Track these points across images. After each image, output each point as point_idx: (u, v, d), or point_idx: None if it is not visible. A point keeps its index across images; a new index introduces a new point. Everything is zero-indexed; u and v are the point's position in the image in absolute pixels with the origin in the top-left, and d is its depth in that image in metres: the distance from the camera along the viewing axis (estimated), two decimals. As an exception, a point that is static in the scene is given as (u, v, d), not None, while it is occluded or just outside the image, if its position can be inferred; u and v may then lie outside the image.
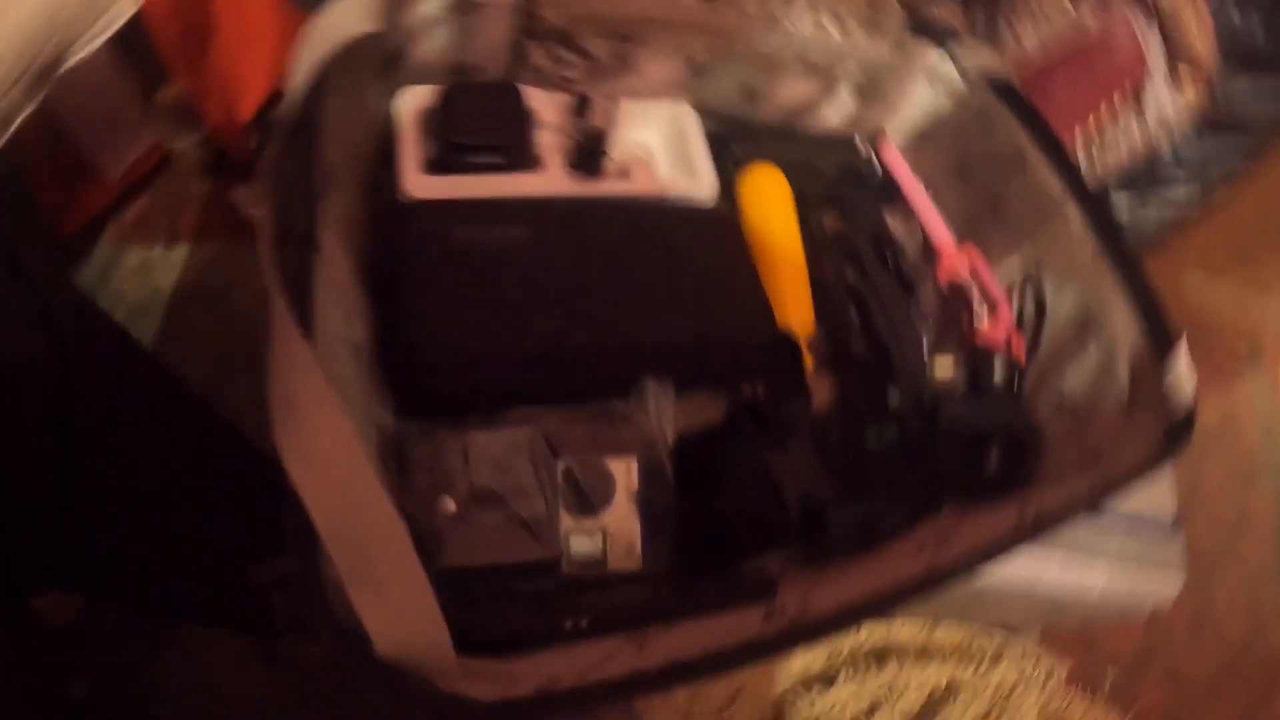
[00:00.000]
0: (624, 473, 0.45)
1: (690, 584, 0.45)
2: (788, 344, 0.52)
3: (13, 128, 0.74)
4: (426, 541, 0.40)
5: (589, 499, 0.44)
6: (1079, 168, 0.70)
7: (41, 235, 0.58)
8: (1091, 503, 0.54)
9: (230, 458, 0.54)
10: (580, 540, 0.44)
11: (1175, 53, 0.96)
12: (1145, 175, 1.29)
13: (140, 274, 0.97)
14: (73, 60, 0.74)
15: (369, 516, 0.33)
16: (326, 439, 0.33)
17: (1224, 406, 1.45)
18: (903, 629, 0.78)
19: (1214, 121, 1.21)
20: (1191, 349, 1.40)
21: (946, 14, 0.90)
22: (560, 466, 0.44)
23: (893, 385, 0.60)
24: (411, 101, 0.53)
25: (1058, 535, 0.86)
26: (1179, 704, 1.11)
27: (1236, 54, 1.16)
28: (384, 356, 0.47)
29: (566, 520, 0.45)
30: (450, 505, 0.42)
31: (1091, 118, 0.97)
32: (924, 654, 0.78)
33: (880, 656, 0.77)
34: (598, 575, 0.44)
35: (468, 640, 0.32)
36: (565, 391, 0.48)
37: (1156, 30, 0.95)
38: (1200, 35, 0.97)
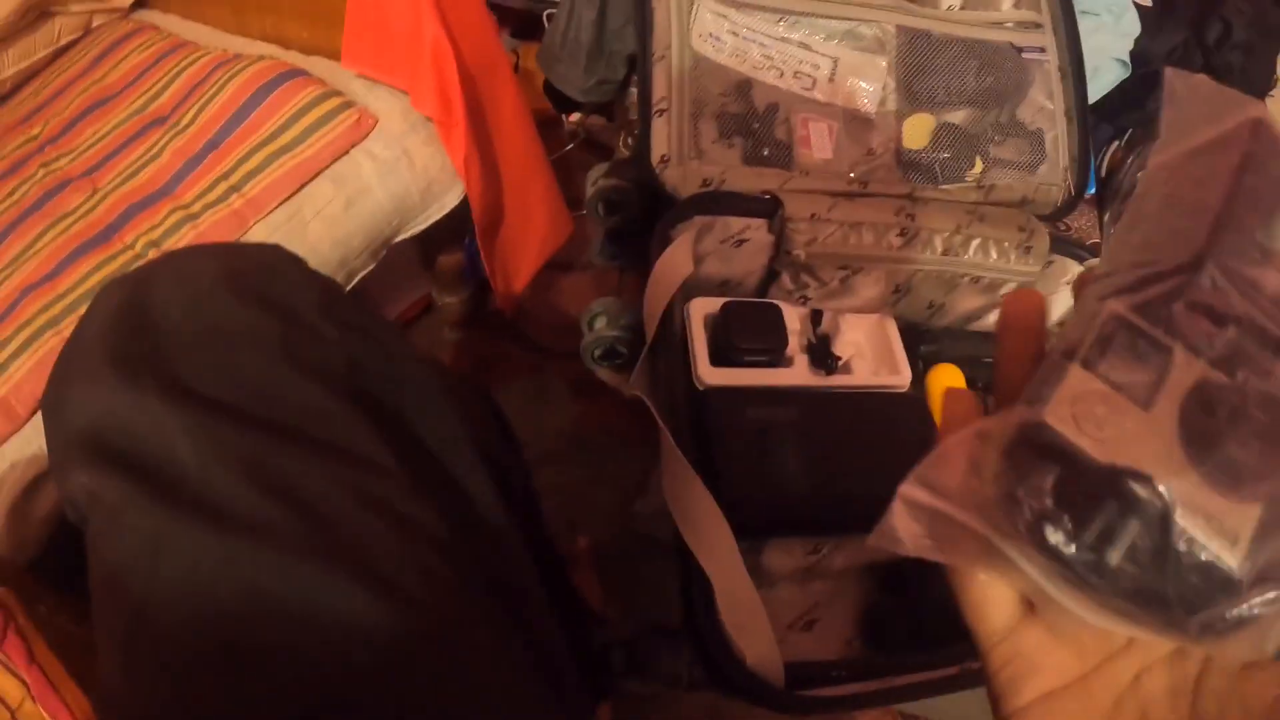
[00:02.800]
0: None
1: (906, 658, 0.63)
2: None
3: (354, 283, 0.97)
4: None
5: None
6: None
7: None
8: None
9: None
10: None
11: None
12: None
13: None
14: (405, 235, 0.98)
15: (743, 587, 0.52)
16: (718, 537, 0.53)
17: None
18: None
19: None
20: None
21: (1083, 224, 1.09)
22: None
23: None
24: (699, 310, 0.73)
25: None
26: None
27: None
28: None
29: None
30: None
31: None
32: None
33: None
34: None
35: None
36: (813, 525, 0.67)
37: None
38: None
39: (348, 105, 0.96)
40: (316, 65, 1.08)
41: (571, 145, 1.25)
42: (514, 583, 0.47)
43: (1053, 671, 0.29)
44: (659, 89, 0.80)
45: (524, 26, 1.42)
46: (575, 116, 1.32)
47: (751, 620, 0.51)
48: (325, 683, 0.35)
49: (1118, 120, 1.12)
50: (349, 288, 0.96)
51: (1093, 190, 1.12)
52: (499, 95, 0.93)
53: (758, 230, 0.75)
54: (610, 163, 0.83)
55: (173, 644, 0.36)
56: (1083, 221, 1.09)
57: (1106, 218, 1.10)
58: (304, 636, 0.36)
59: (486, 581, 0.43)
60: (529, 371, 1.11)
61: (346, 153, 0.94)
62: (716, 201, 0.74)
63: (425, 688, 0.37)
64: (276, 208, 0.94)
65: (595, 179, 0.83)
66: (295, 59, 1.11)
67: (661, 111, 0.79)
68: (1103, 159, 1.13)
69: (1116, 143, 1.13)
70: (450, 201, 0.95)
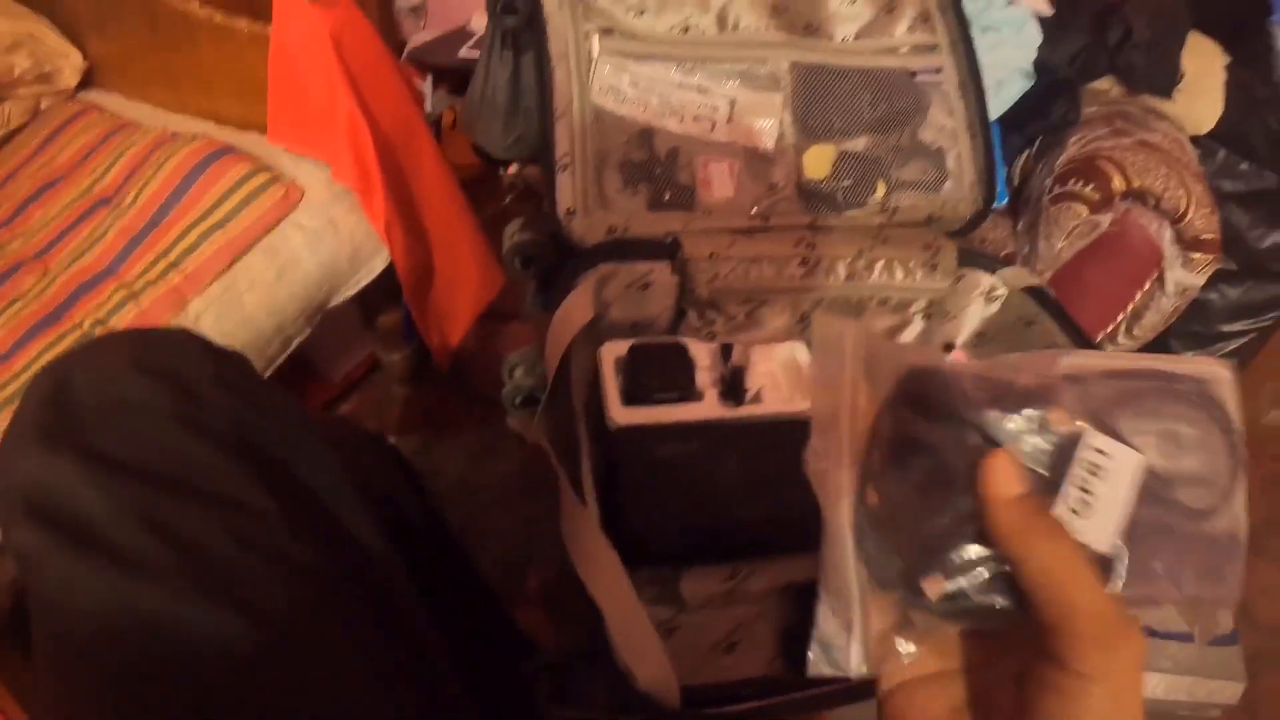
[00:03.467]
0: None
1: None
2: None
3: (291, 349, 1.01)
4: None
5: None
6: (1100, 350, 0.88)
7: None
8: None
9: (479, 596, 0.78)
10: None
11: (1187, 244, 1.16)
12: (1204, 329, 1.46)
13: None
14: (337, 300, 1.02)
15: (632, 614, 0.55)
16: (607, 568, 0.55)
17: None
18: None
19: (1257, 271, 1.38)
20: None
21: (999, 235, 1.12)
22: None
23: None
24: (610, 353, 0.76)
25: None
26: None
27: (1264, 216, 1.35)
28: (608, 529, 0.69)
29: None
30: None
31: (1130, 305, 1.17)
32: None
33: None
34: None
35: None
36: (727, 551, 0.69)
37: (1168, 228, 1.14)
38: (1208, 227, 1.16)
39: (275, 179, 0.99)
40: (249, 140, 1.12)
41: (510, 198, 1.28)
42: (396, 606, 0.54)
43: (916, 666, 0.37)
44: (562, 145, 0.83)
45: (460, 84, 1.45)
46: (513, 168, 1.35)
47: (642, 645, 0.53)
48: (201, 692, 0.44)
49: (1027, 129, 1.15)
50: (288, 353, 0.99)
51: (1005, 200, 1.15)
52: (418, 161, 0.97)
53: (661, 272, 0.78)
54: (524, 217, 0.86)
55: (84, 666, 0.45)
56: (1000, 233, 1.12)
57: (1020, 226, 1.13)
58: (185, 655, 0.44)
59: (362, 605, 0.51)
60: (478, 421, 1.14)
61: (276, 225, 0.97)
62: (618, 248, 0.77)
63: (287, 695, 0.45)
64: (212, 282, 0.97)
65: (511, 234, 0.86)
66: (230, 135, 1.15)
67: (565, 166, 0.82)
68: (1015, 169, 1.17)
69: (1027, 151, 1.16)
70: (378, 265, 0.99)
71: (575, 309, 0.70)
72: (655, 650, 0.54)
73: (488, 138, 1.05)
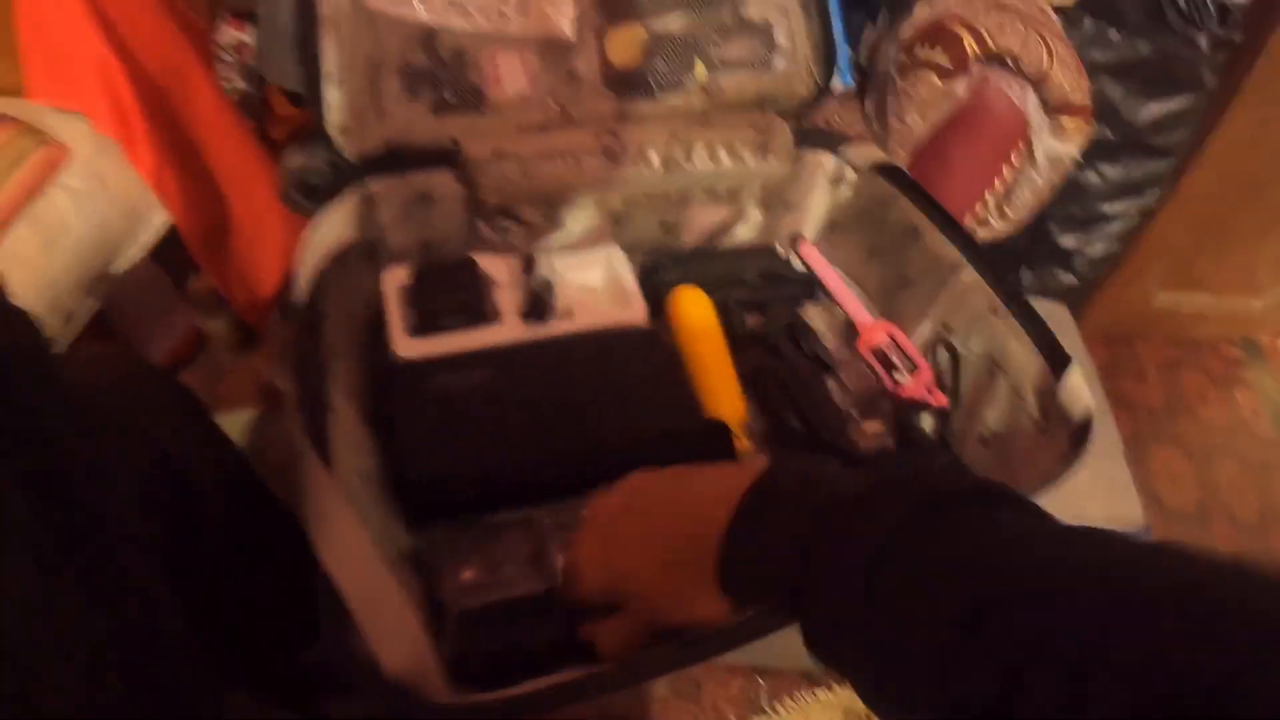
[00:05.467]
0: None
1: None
2: (716, 428, 0.64)
3: (79, 325, 0.90)
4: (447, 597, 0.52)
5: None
6: (968, 232, 0.79)
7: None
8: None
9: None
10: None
11: (1054, 108, 1.08)
12: (1083, 211, 1.39)
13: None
14: (121, 265, 0.91)
15: (379, 588, 0.45)
16: (348, 538, 0.46)
17: (1229, 409, 1.50)
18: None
19: (1136, 147, 1.31)
20: (1184, 363, 1.55)
21: (848, 118, 1.04)
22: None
23: (825, 454, 0.70)
24: (393, 280, 0.67)
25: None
26: None
27: (1138, 88, 1.28)
28: (389, 481, 0.60)
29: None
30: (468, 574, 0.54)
31: (996, 181, 1.09)
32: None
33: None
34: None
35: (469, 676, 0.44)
36: (530, 491, 0.59)
37: (1032, 92, 1.06)
38: (1076, 87, 1.08)
39: (40, 142, 0.88)
40: (24, 105, 1.00)
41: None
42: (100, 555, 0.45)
43: None
44: (329, 56, 0.72)
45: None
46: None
47: (391, 624, 0.44)
48: None
49: (870, 3, 1.06)
50: (74, 329, 0.89)
51: (851, 82, 1.07)
52: (196, 107, 0.86)
53: (443, 182, 0.69)
54: (299, 141, 0.76)
55: None
56: (849, 116, 1.04)
57: (869, 106, 1.05)
58: None
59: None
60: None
61: (40, 190, 0.86)
62: (388, 160, 0.68)
63: None
64: (-26, 265, 0.86)
65: (287, 162, 0.76)
66: (9, 103, 1.03)
67: (336, 79, 0.72)
68: (861, 48, 1.08)
69: (871, 25, 1.08)
70: (158, 222, 0.88)
71: (326, 231, 0.61)
72: (408, 630, 0.45)
73: (279, 71, 0.94)
